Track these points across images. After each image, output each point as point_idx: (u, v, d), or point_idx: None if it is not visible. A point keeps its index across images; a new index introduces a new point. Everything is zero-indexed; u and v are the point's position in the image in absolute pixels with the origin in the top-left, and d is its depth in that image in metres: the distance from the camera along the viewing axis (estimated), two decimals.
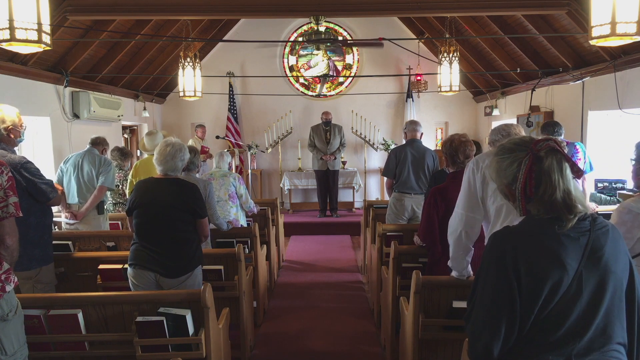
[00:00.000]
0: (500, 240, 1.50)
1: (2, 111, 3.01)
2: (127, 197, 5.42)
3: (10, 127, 3.02)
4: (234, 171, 8.30)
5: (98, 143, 4.89)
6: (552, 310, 1.43)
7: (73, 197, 4.69)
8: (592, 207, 4.74)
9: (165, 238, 3.05)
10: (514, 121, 7.90)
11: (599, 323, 1.44)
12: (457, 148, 3.24)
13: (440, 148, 8.66)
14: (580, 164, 4.65)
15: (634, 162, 2.57)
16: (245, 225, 4.99)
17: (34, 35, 2.60)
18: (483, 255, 1.56)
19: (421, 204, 4.59)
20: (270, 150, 9.71)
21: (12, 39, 2.56)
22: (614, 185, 5.52)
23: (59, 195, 3.25)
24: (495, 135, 3.01)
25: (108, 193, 5.55)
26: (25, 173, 2.99)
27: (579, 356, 1.43)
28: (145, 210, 3.08)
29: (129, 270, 3.10)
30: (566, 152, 1.52)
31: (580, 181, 5.07)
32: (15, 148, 3.15)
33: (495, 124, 9.02)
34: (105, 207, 4.83)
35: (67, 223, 4.70)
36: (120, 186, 5.63)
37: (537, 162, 1.47)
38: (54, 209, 4.33)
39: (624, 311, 1.50)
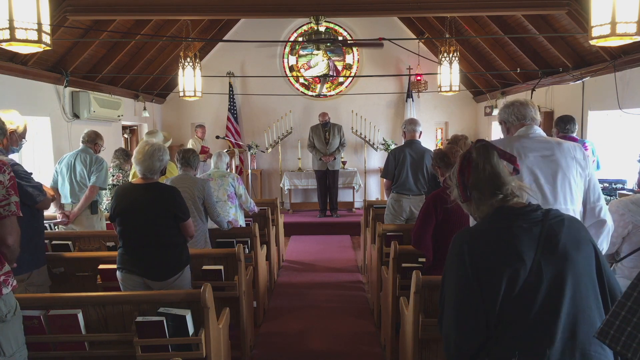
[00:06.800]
0: (458, 240, 1.57)
1: (15, 114, 3.07)
2: None
3: (14, 130, 3.03)
4: (233, 171, 8.33)
5: (90, 140, 4.80)
6: (514, 301, 1.45)
7: (66, 198, 4.67)
8: None
9: (149, 244, 3.05)
10: None
11: (569, 312, 1.45)
12: (451, 162, 3.21)
13: (439, 148, 8.62)
14: None
15: None
16: (244, 225, 4.99)
17: (34, 35, 2.60)
18: (447, 256, 1.62)
19: (419, 205, 4.58)
20: (270, 150, 9.70)
21: (12, 39, 2.56)
22: (614, 186, 5.51)
23: (47, 198, 3.16)
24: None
25: (107, 192, 5.55)
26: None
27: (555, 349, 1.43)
28: (127, 218, 3.07)
29: (118, 273, 3.13)
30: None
31: None
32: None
33: (495, 124, 9.07)
34: (99, 206, 4.77)
35: (56, 223, 4.66)
36: None
37: (468, 154, 1.62)
38: (51, 210, 4.31)
39: (599, 299, 1.51)
